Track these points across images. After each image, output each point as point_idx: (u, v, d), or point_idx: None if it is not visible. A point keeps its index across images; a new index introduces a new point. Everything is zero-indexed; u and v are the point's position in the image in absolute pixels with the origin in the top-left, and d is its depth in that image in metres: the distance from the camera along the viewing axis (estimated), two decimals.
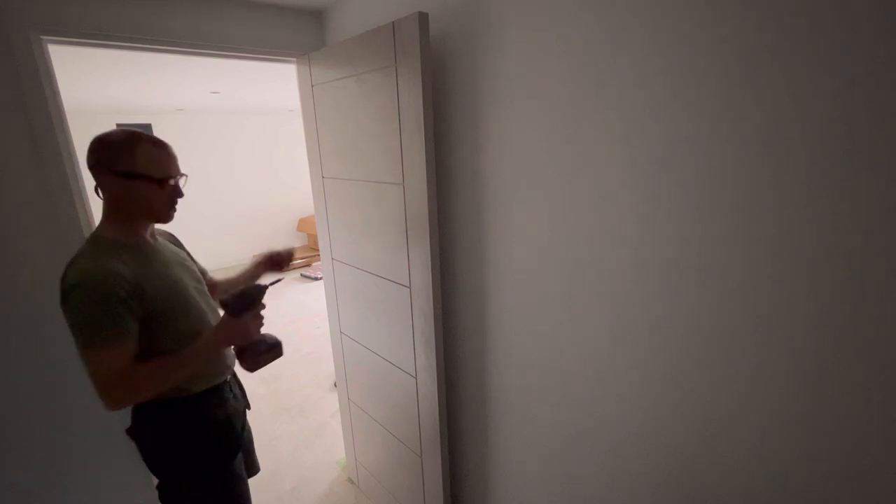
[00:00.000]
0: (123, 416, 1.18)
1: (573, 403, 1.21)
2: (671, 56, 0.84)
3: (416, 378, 1.58)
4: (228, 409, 1.22)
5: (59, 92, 1.41)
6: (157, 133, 5.73)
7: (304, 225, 7.09)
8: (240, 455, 1.28)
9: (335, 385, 2.90)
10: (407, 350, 1.58)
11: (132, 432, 1.15)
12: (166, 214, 1.10)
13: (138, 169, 1.02)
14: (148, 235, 1.13)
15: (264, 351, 1.19)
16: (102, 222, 1.06)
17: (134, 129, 1.06)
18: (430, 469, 1.66)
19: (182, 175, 1.12)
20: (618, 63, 0.92)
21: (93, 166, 1.01)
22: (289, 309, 4.77)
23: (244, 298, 1.12)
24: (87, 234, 1.47)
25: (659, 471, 1.04)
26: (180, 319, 1.09)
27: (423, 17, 1.19)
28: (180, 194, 1.12)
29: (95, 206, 1.75)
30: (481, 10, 1.18)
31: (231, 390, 1.27)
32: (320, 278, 5.74)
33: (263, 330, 1.19)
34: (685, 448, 0.97)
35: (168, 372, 1.03)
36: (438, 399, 1.51)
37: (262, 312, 1.17)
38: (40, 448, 1.52)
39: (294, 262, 1.69)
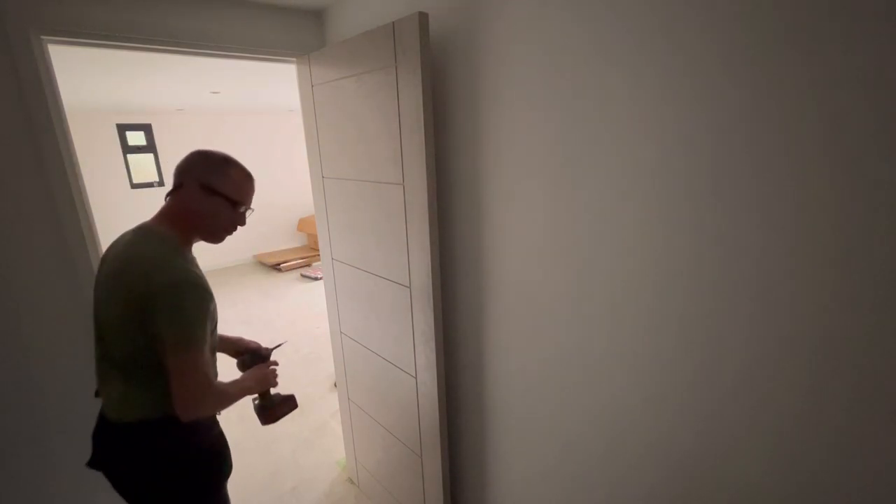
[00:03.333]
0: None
1: (572, 403, 1.21)
2: (671, 55, 0.84)
3: (416, 378, 1.58)
4: (219, 428, 1.19)
5: (59, 92, 1.40)
6: (157, 133, 5.74)
7: (304, 225, 7.09)
8: None
9: (335, 385, 2.90)
10: (407, 350, 1.58)
11: (106, 460, 1.05)
12: (222, 237, 1.14)
13: (221, 187, 1.08)
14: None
15: (279, 402, 1.33)
16: (165, 223, 1.05)
17: (230, 155, 1.14)
18: (430, 469, 1.66)
19: (251, 209, 1.17)
20: (618, 63, 0.92)
21: (185, 173, 1.07)
22: (289, 309, 4.77)
23: (256, 356, 1.33)
24: (86, 234, 1.48)
25: (658, 470, 1.04)
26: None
27: (423, 17, 1.19)
28: (243, 223, 1.16)
29: (95, 207, 1.76)
30: (481, 9, 1.18)
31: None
32: (320, 278, 5.74)
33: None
34: (683, 448, 0.97)
35: (232, 396, 1.11)
36: (438, 399, 1.51)
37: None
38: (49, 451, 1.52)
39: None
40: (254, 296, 5.27)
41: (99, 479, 1.08)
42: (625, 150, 0.95)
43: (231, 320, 4.49)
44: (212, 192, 1.07)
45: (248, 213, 1.17)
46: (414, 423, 1.66)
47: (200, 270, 1.05)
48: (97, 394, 1.09)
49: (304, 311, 4.67)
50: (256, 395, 1.32)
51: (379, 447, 1.96)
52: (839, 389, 0.73)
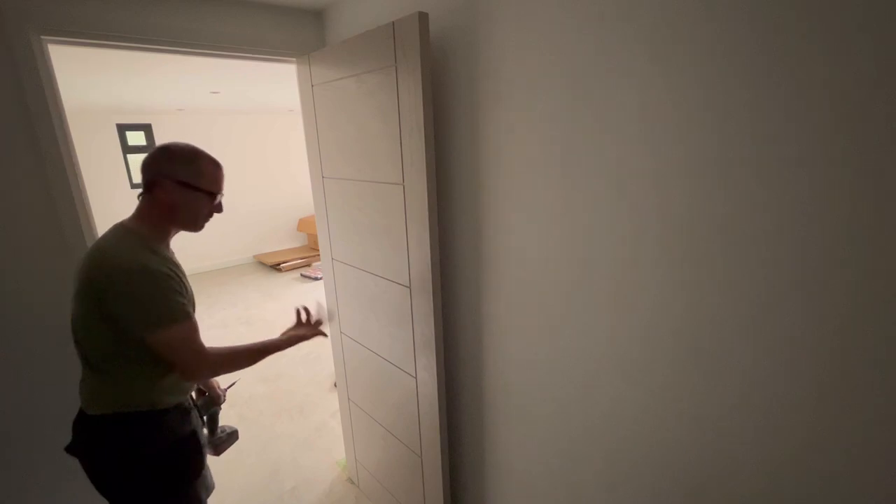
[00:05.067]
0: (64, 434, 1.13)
1: (573, 403, 1.21)
2: (672, 55, 0.84)
3: (416, 378, 1.58)
4: (193, 424, 1.20)
5: (59, 92, 1.40)
6: (157, 133, 5.74)
7: (304, 225, 7.09)
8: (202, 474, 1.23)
9: (335, 385, 2.90)
10: (407, 350, 1.58)
11: (80, 449, 1.09)
12: (201, 226, 1.19)
13: (197, 182, 1.12)
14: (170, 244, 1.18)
15: (225, 440, 1.48)
16: (137, 221, 1.09)
17: (193, 145, 1.16)
18: (430, 469, 1.66)
19: (223, 194, 1.21)
20: (618, 63, 0.92)
21: (155, 172, 1.09)
22: (289, 309, 4.77)
23: (211, 401, 1.47)
24: (86, 234, 1.48)
25: (658, 471, 1.04)
26: None
27: (423, 17, 1.19)
28: (220, 209, 1.21)
29: (95, 207, 1.76)
30: (481, 9, 1.18)
31: (193, 407, 1.25)
32: (320, 278, 5.74)
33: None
34: (685, 450, 0.97)
35: (239, 356, 1.17)
36: (438, 399, 1.51)
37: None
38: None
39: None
40: (254, 296, 5.27)
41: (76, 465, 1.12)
42: (625, 150, 0.95)
43: (231, 321, 4.49)
44: (189, 187, 1.10)
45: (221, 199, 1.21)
46: (414, 423, 1.66)
47: (171, 263, 1.09)
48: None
49: None
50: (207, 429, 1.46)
51: (379, 447, 1.96)
52: (846, 393, 0.73)
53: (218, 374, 1.18)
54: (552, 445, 1.31)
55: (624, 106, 0.93)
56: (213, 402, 1.47)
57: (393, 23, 1.26)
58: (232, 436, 1.52)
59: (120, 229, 1.08)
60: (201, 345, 1.07)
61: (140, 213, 1.10)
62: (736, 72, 0.76)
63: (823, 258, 0.71)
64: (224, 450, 1.48)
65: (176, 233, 1.17)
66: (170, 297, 1.02)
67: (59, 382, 1.52)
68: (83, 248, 1.46)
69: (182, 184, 1.09)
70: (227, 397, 1.55)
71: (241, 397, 3.04)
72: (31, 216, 1.38)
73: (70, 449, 1.12)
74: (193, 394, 1.45)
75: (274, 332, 1.42)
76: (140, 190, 1.11)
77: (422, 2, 1.34)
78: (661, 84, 0.86)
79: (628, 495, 1.13)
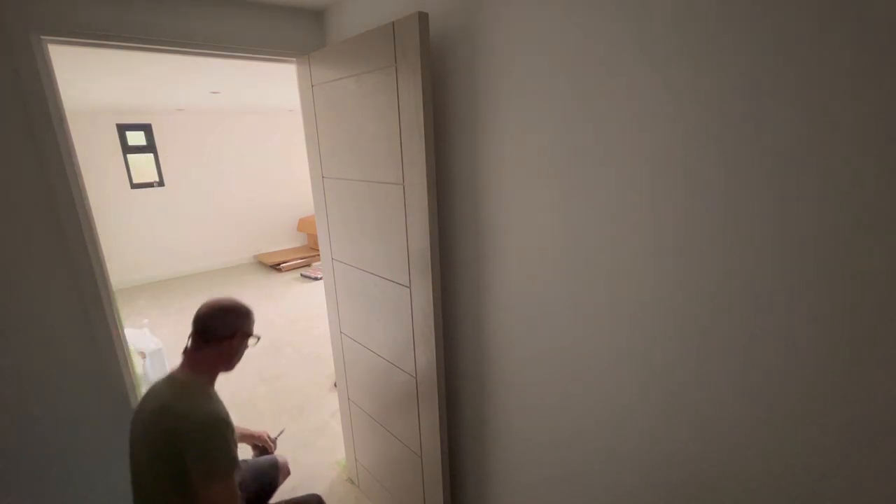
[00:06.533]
0: None
1: (573, 403, 1.21)
2: (673, 55, 0.84)
3: (416, 378, 1.58)
4: None
5: (59, 92, 1.40)
6: (157, 133, 5.74)
7: (304, 225, 7.09)
8: None
9: (335, 385, 2.90)
10: (407, 350, 1.58)
11: None
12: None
13: (251, 330, 1.32)
14: None
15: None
16: (192, 371, 1.22)
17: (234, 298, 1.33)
18: (430, 469, 1.66)
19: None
20: (618, 63, 0.92)
21: (234, 328, 1.26)
22: (289, 309, 4.77)
23: (265, 450, 1.73)
24: (86, 234, 1.48)
25: (658, 472, 1.04)
26: None
27: (423, 17, 1.19)
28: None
29: (95, 207, 1.76)
30: (481, 10, 1.18)
31: None
32: (320, 278, 5.74)
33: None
34: (686, 451, 0.97)
35: None
36: (439, 399, 1.51)
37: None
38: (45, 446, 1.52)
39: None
40: (254, 296, 5.26)
41: None
42: (625, 150, 0.95)
43: None
44: (245, 336, 1.30)
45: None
46: (414, 423, 1.66)
47: (222, 404, 1.23)
48: None
49: (304, 311, 4.67)
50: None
51: (379, 447, 1.96)
52: (843, 391, 0.73)
53: None
54: (552, 445, 1.31)
55: (624, 105, 0.93)
56: (264, 451, 1.69)
57: (393, 23, 1.26)
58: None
59: (180, 383, 1.19)
60: (236, 501, 1.15)
61: (196, 362, 1.22)
62: (736, 72, 0.76)
63: (823, 260, 0.72)
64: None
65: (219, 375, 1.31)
66: (231, 449, 1.14)
67: (57, 382, 1.51)
68: (83, 248, 1.46)
69: (243, 335, 1.29)
70: (277, 445, 1.74)
71: (242, 398, 3.04)
72: (31, 216, 1.38)
73: None
74: (250, 449, 1.73)
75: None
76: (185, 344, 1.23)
77: (422, 2, 1.34)
78: (664, 84, 0.86)
79: (630, 495, 1.12)
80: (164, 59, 2.43)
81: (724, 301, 0.85)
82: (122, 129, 5.53)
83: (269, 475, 1.64)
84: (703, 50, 0.79)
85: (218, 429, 1.12)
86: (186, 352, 1.24)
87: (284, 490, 2.20)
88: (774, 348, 0.80)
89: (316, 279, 5.81)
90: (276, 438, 1.76)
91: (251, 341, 1.34)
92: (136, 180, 5.72)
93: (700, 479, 0.96)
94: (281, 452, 1.79)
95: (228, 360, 1.28)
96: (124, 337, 1.64)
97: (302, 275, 6.06)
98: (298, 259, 6.48)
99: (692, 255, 0.88)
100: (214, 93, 4.20)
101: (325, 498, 2.14)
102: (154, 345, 3.48)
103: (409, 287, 1.49)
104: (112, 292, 1.60)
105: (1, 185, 1.33)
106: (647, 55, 0.87)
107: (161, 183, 5.90)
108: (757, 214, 0.78)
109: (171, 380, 1.21)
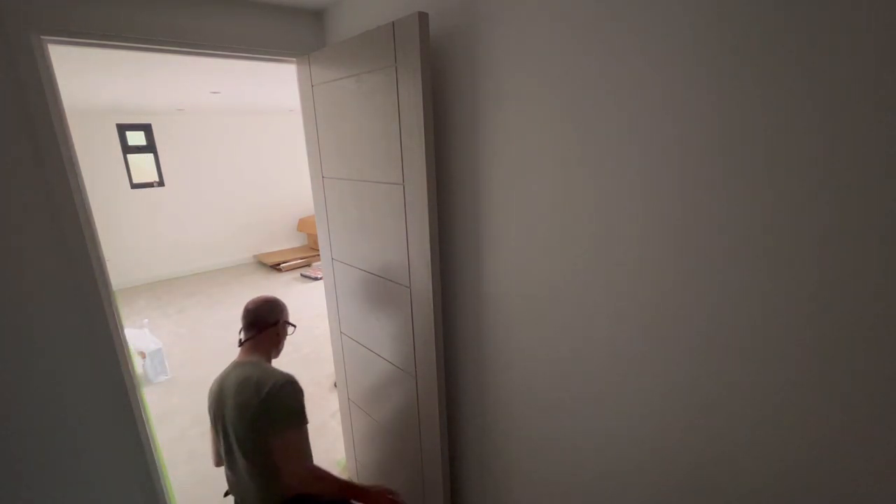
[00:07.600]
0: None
1: (573, 404, 1.21)
2: (673, 56, 0.84)
3: (416, 378, 1.58)
4: None
5: (59, 92, 1.40)
6: (157, 133, 5.75)
7: (304, 225, 7.09)
8: None
9: (335, 385, 2.90)
10: (407, 350, 1.58)
11: None
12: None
13: (288, 318, 1.58)
14: None
15: None
16: (254, 355, 1.41)
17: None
18: (430, 470, 1.66)
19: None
20: (618, 63, 0.92)
21: (276, 317, 1.50)
22: (289, 309, 4.76)
23: None
24: (86, 234, 1.48)
25: (659, 473, 1.04)
26: None
27: (423, 17, 1.19)
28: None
29: (95, 207, 1.75)
30: (481, 10, 1.18)
31: None
32: (320, 278, 5.74)
33: None
34: (687, 453, 0.97)
35: (329, 482, 1.32)
36: (438, 399, 1.51)
37: None
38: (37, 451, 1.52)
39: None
40: (254, 296, 5.26)
41: None
42: (625, 150, 0.95)
43: (231, 321, 4.49)
44: (286, 323, 1.55)
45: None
46: (414, 423, 1.66)
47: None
48: (226, 493, 1.46)
49: (303, 312, 4.67)
50: None
51: (379, 447, 1.96)
52: (843, 391, 0.73)
53: (309, 487, 1.30)
54: (552, 445, 1.31)
55: (624, 105, 0.93)
56: None
57: (393, 23, 1.26)
58: None
59: (247, 363, 1.37)
60: (306, 452, 1.33)
61: (252, 349, 1.42)
62: (736, 73, 0.76)
63: (826, 259, 0.71)
64: None
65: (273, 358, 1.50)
66: (302, 403, 1.32)
67: (60, 379, 1.51)
68: (83, 248, 1.46)
69: (286, 322, 1.55)
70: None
71: None
72: (31, 216, 1.38)
73: None
74: None
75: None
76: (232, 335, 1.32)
77: (422, 2, 1.34)
78: (664, 85, 0.86)
79: (631, 495, 1.12)
80: (164, 59, 2.43)
81: (724, 300, 0.85)
82: (122, 129, 5.53)
83: None
84: (704, 48, 0.79)
85: (293, 384, 1.30)
86: (241, 343, 1.44)
87: None
88: (775, 348, 0.80)
89: (316, 279, 5.81)
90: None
91: (290, 329, 1.57)
92: (136, 180, 5.72)
93: (700, 478, 0.96)
94: None
95: (276, 343, 1.49)
96: (124, 337, 1.64)
97: (302, 275, 6.07)
98: (298, 259, 6.48)
99: (692, 255, 0.88)
100: (214, 93, 4.21)
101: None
102: (154, 345, 3.49)
103: (409, 287, 1.49)
104: (112, 292, 1.60)
105: (1, 186, 1.33)
106: (648, 52, 0.87)
107: (161, 183, 5.90)
108: (757, 214, 0.78)
109: (239, 364, 1.38)
